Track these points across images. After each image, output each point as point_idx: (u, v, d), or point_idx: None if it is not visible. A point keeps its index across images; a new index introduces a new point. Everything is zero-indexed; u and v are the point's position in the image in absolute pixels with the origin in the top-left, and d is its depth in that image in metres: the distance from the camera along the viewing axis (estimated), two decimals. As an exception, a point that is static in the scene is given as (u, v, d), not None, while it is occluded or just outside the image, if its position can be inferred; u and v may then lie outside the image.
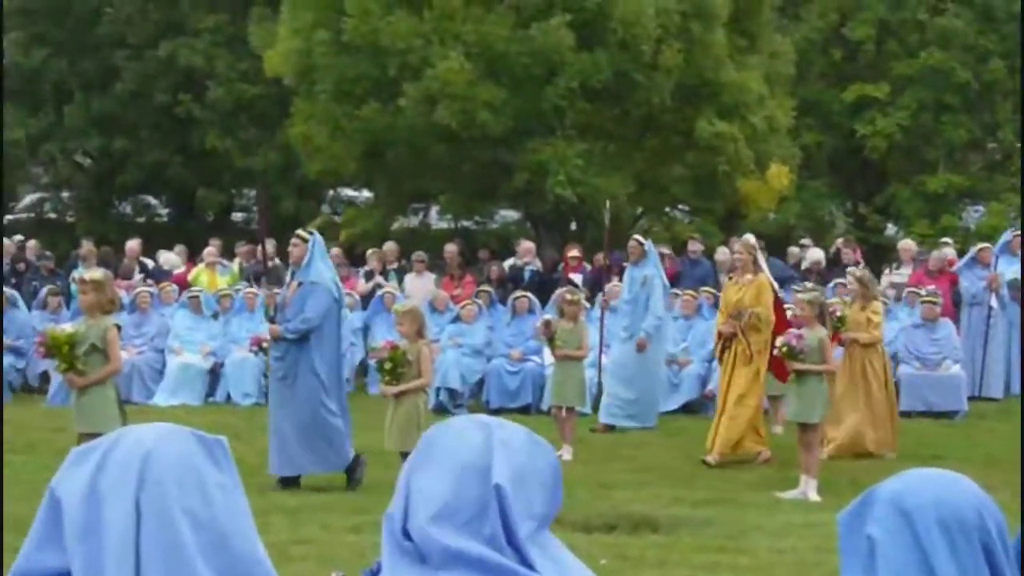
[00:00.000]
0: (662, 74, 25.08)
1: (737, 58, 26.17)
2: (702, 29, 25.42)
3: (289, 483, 13.61)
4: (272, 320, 14.18)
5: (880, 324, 16.38)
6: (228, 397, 20.63)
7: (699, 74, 25.59)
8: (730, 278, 16.36)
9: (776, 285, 16.37)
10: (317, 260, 13.96)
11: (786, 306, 16.00)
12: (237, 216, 35.86)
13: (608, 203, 20.99)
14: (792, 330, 14.02)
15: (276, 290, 15.32)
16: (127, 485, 2.51)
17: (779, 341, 13.92)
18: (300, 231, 14.57)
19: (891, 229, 31.96)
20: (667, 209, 30.19)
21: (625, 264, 19.39)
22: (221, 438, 2.63)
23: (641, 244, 18.86)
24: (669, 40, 25.01)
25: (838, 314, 15.99)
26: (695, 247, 24.08)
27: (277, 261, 24.55)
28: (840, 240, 25.99)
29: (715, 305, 21.21)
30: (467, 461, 2.81)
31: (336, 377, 14.08)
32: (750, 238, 16.55)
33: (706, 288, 21.62)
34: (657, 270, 18.74)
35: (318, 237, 14.23)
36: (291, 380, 13.81)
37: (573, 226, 28.52)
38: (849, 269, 18.85)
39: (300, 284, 13.93)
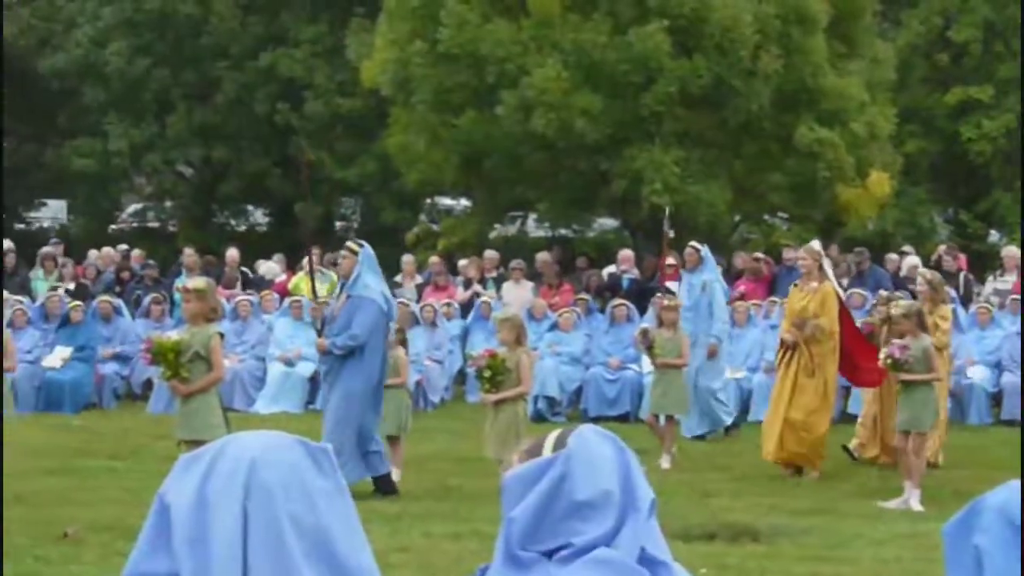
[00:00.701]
0: (761, 80, 24.94)
1: (837, 64, 25.96)
2: (801, 35, 25.24)
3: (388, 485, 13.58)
4: (319, 332, 14.01)
5: (948, 330, 16.00)
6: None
7: (799, 80, 25.41)
8: (795, 285, 16.10)
9: (842, 293, 16.13)
10: (366, 273, 13.70)
11: (862, 320, 15.86)
12: (336, 225, 36.04)
13: (668, 211, 20.81)
14: (896, 341, 13.84)
15: (324, 301, 15.14)
16: (234, 492, 2.53)
17: (882, 354, 13.77)
18: (350, 242, 14.38)
19: (994, 236, 31.54)
20: (765, 216, 29.99)
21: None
22: (326, 445, 2.66)
23: (697, 250, 18.72)
24: (768, 46, 24.87)
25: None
26: (792, 255, 23.90)
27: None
28: (942, 247, 25.69)
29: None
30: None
31: (377, 390, 13.76)
32: (815, 244, 16.24)
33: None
34: (715, 275, 18.66)
35: (368, 249, 13.96)
36: (337, 392, 13.60)
37: (671, 234, 28.40)
38: (920, 270, 18.43)
39: (349, 297, 13.73)
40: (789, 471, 15.30)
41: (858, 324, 16.45)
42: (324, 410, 14.13)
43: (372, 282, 13.73)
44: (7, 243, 25.35)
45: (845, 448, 16.13)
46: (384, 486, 13.57)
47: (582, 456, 2.98)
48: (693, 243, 19.36)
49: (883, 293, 17.87)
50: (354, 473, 13.19)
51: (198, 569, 2.50)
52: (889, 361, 13.56)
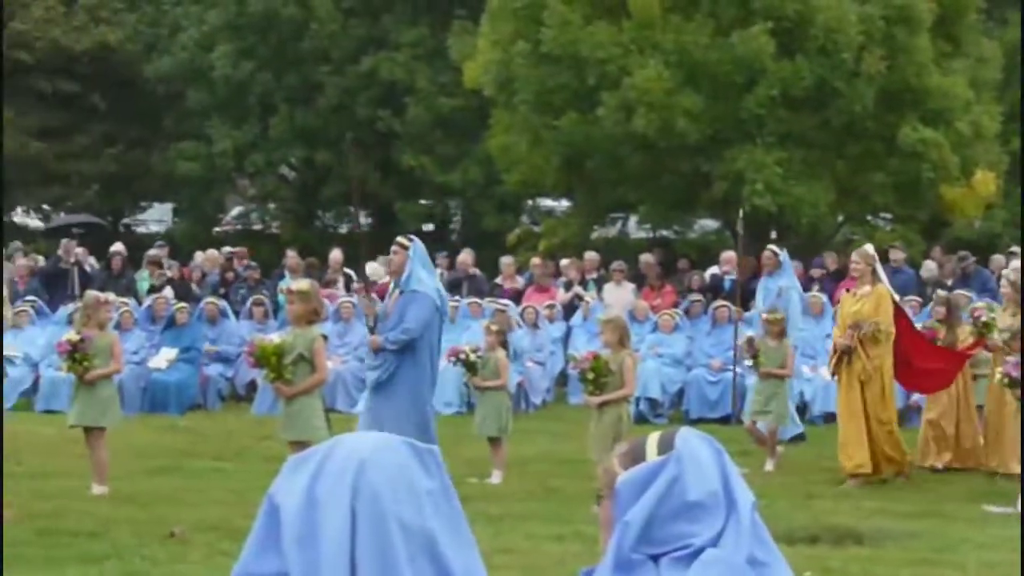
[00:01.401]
0: (864, 81, 24.74)
1: (942, 63, 25.68)
2: (906, 34, 25.00)
3: None
4: (372, 330, 13.78)
5: None
6: (430, 406, 20.80)
7: (902, 80, 25.17)
8: (847, 290, 15.75)
9: (896, 296, 15.77)
10: (418, 268, 13.53)
11: (922, 324, 15.59)
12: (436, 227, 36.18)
13: (741, 212, 20.62)
14: (1009, 359, 13.62)
15: (371, 299, 14.95)
16: (342, 493, 2.55)
17: (998, 373, 13.58)
18: (400, 238, 14.11)
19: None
20: (868, 217, 29.73)
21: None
22: (433, 447, 2.67)
23: (776, 254, 18.37)
24: (872, 47, 24.67)
25: (983, 319, 15.29)
26: (896, 256, 23.69)
27: (476, 271, 24.77)
28: (1050, 248, 25.31)
29: (918, 314, 20.91)
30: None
31: (429, 387, 13.67)
32: (868, 248, 15.81)
33: (910, 297, 21.27)
34: (793, 281, 18.27)
35: (419, 244, 13.80)
36: (388, 390, 13.32)
37: (773, 235, 28.25)
38: (1004, 272, 17.82)
39: (401, 293, 13.53)
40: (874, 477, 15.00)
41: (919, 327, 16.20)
42: (370, 408, 13.70)
43: (425, 277, 13.58)
44: (117, 246, 25.69)
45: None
46: None
47: (691, 457, 2.99)
48: (772, 247, 19.05)
49: (942, 294, 17.50)
50: None
51: (307, 569, 2.52)
52: (1006, 381, 13.32)
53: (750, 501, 2.98)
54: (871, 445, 14.82)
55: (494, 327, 15.59)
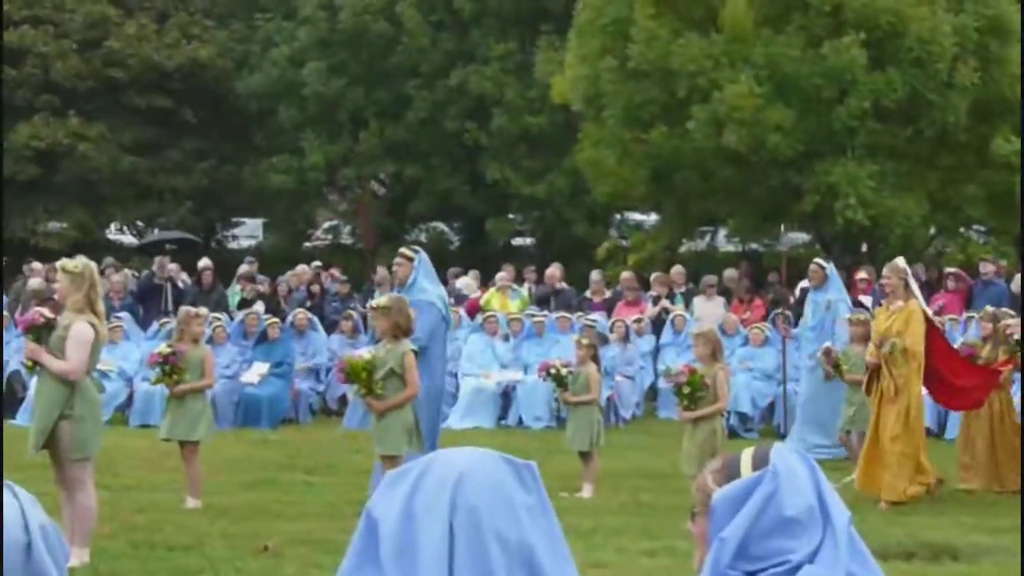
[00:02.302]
0: (957, 92, 24.53)
1: (1035, 74, 25.44)
2: (998, 45, 24.79)
3: None
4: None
5: None
6: (520, 420, 20.86)
7: (995, 91, 24.94)
8: (880, 305, 15.40)
9: (930, 312, 15.34)
10: (422, 278, 13.56)
11: (961, 342, 15.21)
12: (526, 241, 36.25)
13: (783, 227, 20.40)
14: None
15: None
16: (440, 508, 2.55)
17: None
18: (404, 249, 14.17)
19: None
20: (961, 229, 29.46)
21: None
22: (530, 462, 2.66)
23: (822, 268, 17.94)
24: (964, 57, 24.46)
25: (1015, 337, 14.95)
26: (988, 268, 23.44)
27: (565, 286, 24.76)
28: None
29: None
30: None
31: (439, 395, 13.58)
32: (900, 262, 15.25)
33: (1006, 310, 21.01)
34: (841, 294, 17.81)
35: (423, 255, 13.88)
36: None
37: (864, 247, 28.04)
38: None
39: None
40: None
41: (957, 346, 15.82)
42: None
43: (429, 286, 13.59)
44: (204, 261, 25.92)
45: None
46: None
47: (787, 472, 2.97)
48: (818, 260, 18.60)
49: (988, 310, 17.12)
50: None
51: (405, 584, 2.52)
52: None
53: (846, 516, 2.97)
54: (873, 463, 14.36)
55: (585, 341, 15.55)
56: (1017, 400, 15.83)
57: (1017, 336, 14.90)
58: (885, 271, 15.09)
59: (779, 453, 3.02)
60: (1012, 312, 16.10)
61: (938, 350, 14.59)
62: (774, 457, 3.01)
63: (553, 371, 15.03)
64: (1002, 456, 15.26)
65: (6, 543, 2.47)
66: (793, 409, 18.82)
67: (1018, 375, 15.48)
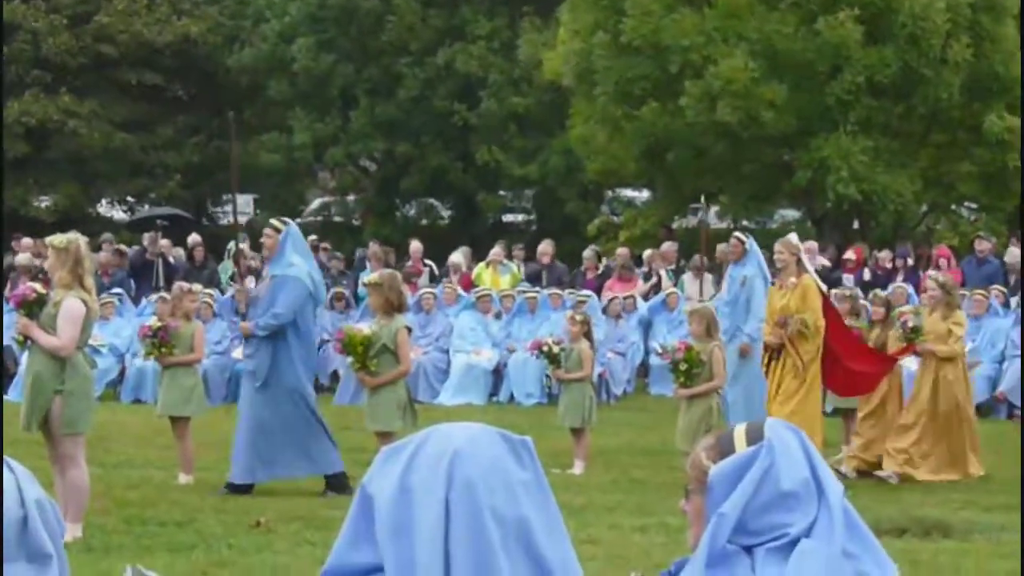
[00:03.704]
0: (950, 69, 24.52)
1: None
2: (992, 22, 24.78)
3: (242, 491, 12.81)
4: (243, 316, 13.50)
5: (962, 337, 14.72)
6: (511, 397, 20.86)
7: (989, 68, 24.93)
8: (773, 283, 15.00)
9: (824, 287, 15.08)
10: (289, 251, 13.03)
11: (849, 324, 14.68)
12: (517, 218, 36.22)
13: (703, 198, 20.25)
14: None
15: (242, 285, 14.34)
16: (436, 484, 2.54)
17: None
18: (273, 221, 13.62)
19: None
20: (953, 206, 29.47)
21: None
22: (526, 438, 2.65)
23: (742, 242, 17.02)
24: (958, 34, 24.45)
25: (910, 324, 14.49)
26: (982, 246, 23.41)
27: (558, 262, 24.75)
28: None
29: (1006, 304, 20.69)
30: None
31: (305, 373, 13.16)
32: (792, 237, 15.00)
33: (997, 287, 21.05)
34: (759, 269, 16.81)
35: (292, 227, 13.35)
36: (264, 378, 12.84)
37: (856, 225, 28.05)
38: (931, 274, 16.84)
39: (272, 277, 13.12)
40: None
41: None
42: (240, 401, 13.37)
43: (297, 261, 13.05)
44: (195, 237, 25.87)
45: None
46: (241, 490, 12.92)
47: (782, 447, 2.98)
48: (738, 234, 17.79)
49: (880, 294, 16.86)
50: (289, 468, 12.89)
51: (401, 560, 2.51)
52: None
53: (840, 489, 2.98)
54: None
55: (579, 318, 15.51)
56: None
57: (912, 324, 14.47)
58: (777, 246, 14.73)
59: (773, 427, 3.02)
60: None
61: (833, 330, 14.23)
62: (768, 431, 3.01)
63: (545, 348, 14.99)
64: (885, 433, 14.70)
65: (5, 519, 2.46)
66: None
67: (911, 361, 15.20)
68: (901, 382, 15.15)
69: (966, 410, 14.79)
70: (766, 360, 14.47)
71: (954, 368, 14.61)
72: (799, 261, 14.44)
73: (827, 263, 23.22)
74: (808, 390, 14.15)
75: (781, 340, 14.06)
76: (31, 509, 2.51)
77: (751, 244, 16.95)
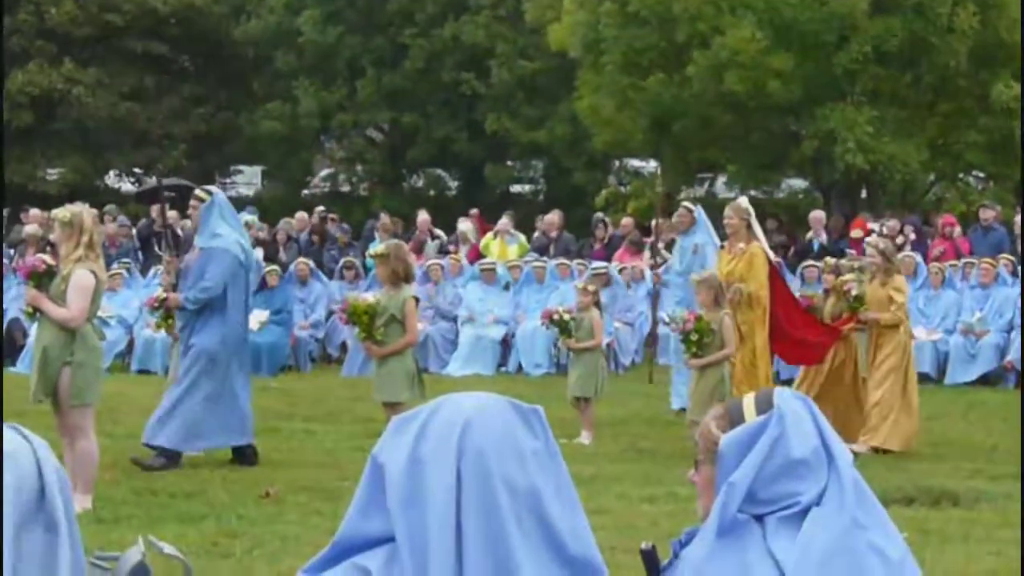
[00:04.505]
0: (957, 37, 24.45)
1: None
2: (998, -10, 24.74)
3: (175, 459, 12.57)
4: (174, 288, 13.05)
5: (904, 304, 14.37)
6: (519, 367, 20.88)
7: (995, 36, 24.85)
8: (722, 247, 14.82)
9: (772, 255, 14.84)
10: (216, 221, 12.73)
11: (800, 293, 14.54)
12: (524, 188, 36.22)
13: (659, 169, 20.14)
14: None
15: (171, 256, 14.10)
16: (448, 453, 2.54)
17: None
18: (199, 190, 13.29)
19: None
20: (961, 175, 29.42)
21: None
22: (537, 407, 2.65)
23: (691, 211, 16.80)
24: (964, 2, 24.37)
25: (854, 292, 14.35)
26: (987, 214, 23.35)
27: (565, 233, 24.73)
28: None
29: (1013, 273, 20.66)
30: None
31: (240, 348, 12.88)
32: (743, 201, 14.76)
33: (1005, 256, 21.02)
34: (709, 237, 16.55)
35: (219, 196, 13.04)
36: (195, 350, 12.62)
37: (864, 194, 28.02)
38: (868, 240, 16.47)
39: (201, 249, 12.83)
40: None
41: (798, 295, 15.32)
42: (170, 372, 13.06)
43: (225, 231, 12.74)
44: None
45: None
46: (242, 457, 12.84)
47: (792, 415, 2.98)
48: (686, 203, 17.57)
49: (830, 262, 16.65)
50: (214, 439, 12.67)
51: (412, 530, 2.51)
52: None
53: (849, 456, 2.98)
54: None
55: (591, 287, 15.46)
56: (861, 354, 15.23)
57: (855, 292, 14.31)
58: (727, 211, 14.48)
59: (782, 396, 3.02)
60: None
61: (780, 298, 14.07)
62: (778, 400, 3.01)
63: (556, 317, 14.96)
64: (842, 407, 14.34)
65: (23, 488, 2.46)
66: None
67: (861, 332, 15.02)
68: (855, 351, 14.79)
69: (911, 380, 14.50)
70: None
71: (894, 336, 14.29)
72: (749, 227, 14.22)
73: (822, 242, 23.10)
74: (753, 360, 13.92)
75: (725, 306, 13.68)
76: (49, 478, 2.51)
77: (699, 213, 16.67)
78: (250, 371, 13.47)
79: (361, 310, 11.92)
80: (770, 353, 14.30)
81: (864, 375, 14.55)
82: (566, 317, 14.86)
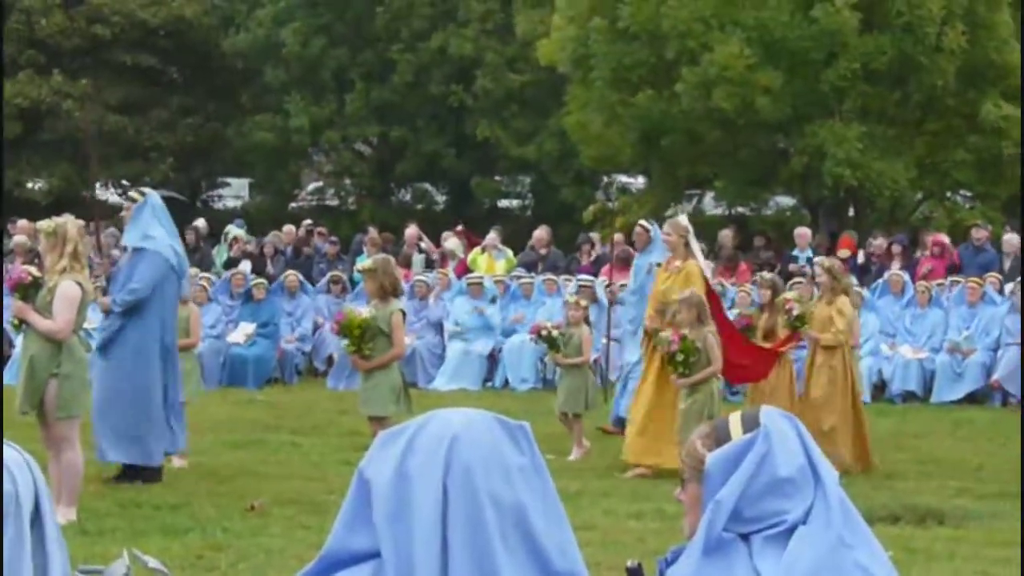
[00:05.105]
0: (946, 56, 24.52)
1: (1024, 39, 25.46)
2: (987, 10, 24.78)
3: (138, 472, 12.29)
4: (104, 291, 12.77)
5: (849, 323, 14.35)
6: (506, 382, 20.87)
7: (984, 55, 24.93)
8: (658, 265, 14.73)
9: (709, 274, 14.79)
10: (149, 222, 12.40)
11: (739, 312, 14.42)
12: (512, 203, 36.21)
13: (612, 181, 20.08)
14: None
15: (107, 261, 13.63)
16: (434, 469, 2.54)
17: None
18: (132, 192, 13.08)
19: None
20: (948, 194, 29.47)
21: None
22: (524, 423, 2.65)
23: (647, 230, 16.30)
24: (953, 22, 24.45)
25: (795, 312, 14.24)
26: (979, 234, 23.39)
27: (553, 249, 24.74)
28: None
29: (1000, 291, 20.70)
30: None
31: (167, 354, 12.45)
32: (682, 219, 14.55)
33: (992, 274, 21.07)
34: (663, 258, 15.82)
35: (152, 198, 12.64)
36: (112, 355, 12.28)
37: (851, 212, 28.06)
38: (817, 259, 16.41)
39: (133, 252, 12.52)
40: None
41: (733, 316, 15.24)
42: (97, 376, 12.57)
43: (158, 234, 12.41)
44: (201, 221, 25.86)
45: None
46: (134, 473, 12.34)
47: (778, 434, 2.98)
48: (643, 222, 17.08)
49: (767, 276, 16.66)
50: (119, 453, 12.23)
51: (399, 545, 2.51)
52: None
53: (835, 475, 2.98)
54: (645, 433, 13.60)
55: (583, 302, 15.44)
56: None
57: (796, 312, 14.22)
58: (666, 228, 14.36)
59: (768, 415, 3.02)
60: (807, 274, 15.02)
61: (716, 319, 13.79)
62: (764, 419, 3.01)
63: (544, 333, 14.94)
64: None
65: (24, 503, 2.47)
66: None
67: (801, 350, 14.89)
68: (791, 371, 14.74)
69: (856, 401, 14.45)
70: (646, 345, 14.22)
71: (837, 355, 14.25)
72: (687, 244, 14.10)
73: (809, 257, 23.12)
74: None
75: (660, 326, 13.69)
76: (43, 495, 2.52)
77: (655, 232, 16.28)
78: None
79: (355, 324, 11.91)
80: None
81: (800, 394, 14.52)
82: (555, 333, 14.85)
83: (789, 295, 14.95)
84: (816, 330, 14.29)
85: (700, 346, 12.98)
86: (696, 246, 14.46)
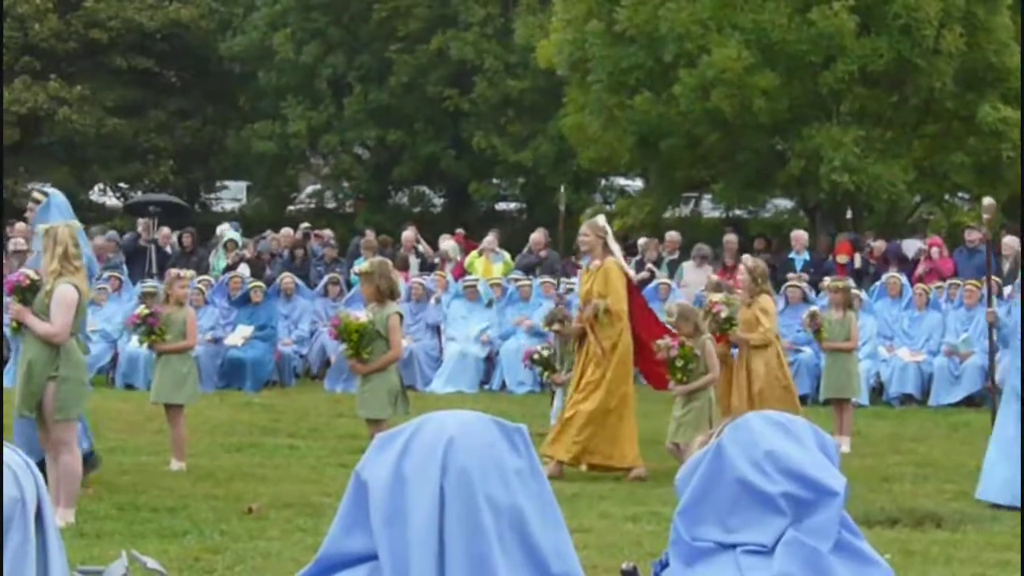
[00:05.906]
0: (944, 59, 24.53)
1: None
2: (986, 12, 24.78)
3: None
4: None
5: (770, 326, 14.38)
6: (503, 384, 20.87)
7: (982, 58, 24.94)
8: (582, 267, 14.64)
9: (632, 272, 14.75)
10: (53, 222, 11.62)
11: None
12: (509, 205, 36.22)
13: (563, 187, 20.00)
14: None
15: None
16: (431, 471, 2.53)
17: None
18: (36, 192, 12.55)
19: None
20: (947, 197, 29.48)
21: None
22: (521, 426, 2.65)
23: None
24: (951, 24, 24.46)
25: (723, 314, 14.24)
26: (973, 236, 23.38)
27: (549, 251, 24.74)
28: None
29: (999, 295, 20.68)
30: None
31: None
32: (599, 219, 14.40)
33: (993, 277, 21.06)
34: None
35: (55, 198, 12.07)
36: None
37: (848, 214, 28.07)
38: (743, 257, 16.27)
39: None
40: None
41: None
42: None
43: None
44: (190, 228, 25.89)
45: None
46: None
47: (734, 440, 2.96)
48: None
49: (713, 279, 16.46)
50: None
51: (395, 547, 2.51)
52: None
53: (843, 483, 2.96)
54: (578, 433, 13.51)
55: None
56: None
57: (724, 314, 14.22)
58: (583, 228, 14.23)
59: (740, 421, 3.01)
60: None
61: (639, 315, 13.86)
62: (730, 427, 3.00)
63: (536, 357, 15.02)
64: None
65: (28, 510, 2.48)
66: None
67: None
68: (732, 374, 14.70)
69: (792, 398, 14.50)
70: (575, 347, 14.10)
71: (763, 355, 14.32)
72: (605, 244, 13.94)
73: (805, 260, 23.14)
74: (614, 382, 13.63)
75: (583, 325, 13.66)
76: (44, 499, 2.52)
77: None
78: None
79: (352, 328, 11.93)
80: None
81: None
82: (545, 354, 14.93)
83: (715, 298, 14.87)
84: (744, 332, 14.39)
85: (698, 353, 12.99)
86: (615, 244, 14.27)
